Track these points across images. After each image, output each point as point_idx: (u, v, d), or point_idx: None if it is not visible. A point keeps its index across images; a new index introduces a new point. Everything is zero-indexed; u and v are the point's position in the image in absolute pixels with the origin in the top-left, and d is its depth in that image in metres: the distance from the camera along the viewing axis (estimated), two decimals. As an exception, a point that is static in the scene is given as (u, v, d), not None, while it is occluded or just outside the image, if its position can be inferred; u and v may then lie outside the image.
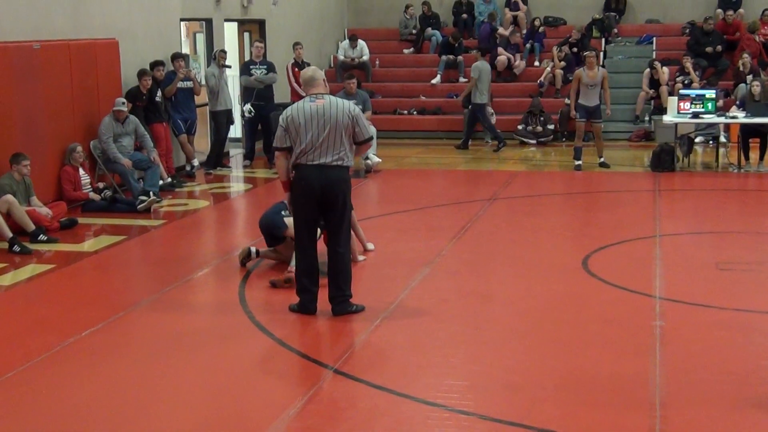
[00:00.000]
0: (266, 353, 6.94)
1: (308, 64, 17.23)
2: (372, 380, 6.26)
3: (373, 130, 15.95)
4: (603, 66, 18.04)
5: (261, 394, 6.16)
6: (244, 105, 16.28)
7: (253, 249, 9.30)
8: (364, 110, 15.94)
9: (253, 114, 16.13)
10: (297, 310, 7.69)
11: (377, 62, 21.38)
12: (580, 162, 15.49)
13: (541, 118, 18.79)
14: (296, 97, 16.22)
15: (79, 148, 12.27)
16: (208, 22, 16.94)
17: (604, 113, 15.44)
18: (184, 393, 6.17)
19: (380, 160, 15.57)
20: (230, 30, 18.00)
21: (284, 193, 7.72)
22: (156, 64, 14.27)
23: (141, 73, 13.81)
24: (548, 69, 20.22)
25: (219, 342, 7.18)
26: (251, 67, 16.30)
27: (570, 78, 19.46)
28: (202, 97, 15.82)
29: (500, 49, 20.81)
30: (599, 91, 15.20)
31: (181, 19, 15.90)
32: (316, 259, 7.71)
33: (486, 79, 18.02)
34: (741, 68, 18.50)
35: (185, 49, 17.43)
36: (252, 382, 6.35)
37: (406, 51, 22.31)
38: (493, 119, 18.57)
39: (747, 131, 15.21)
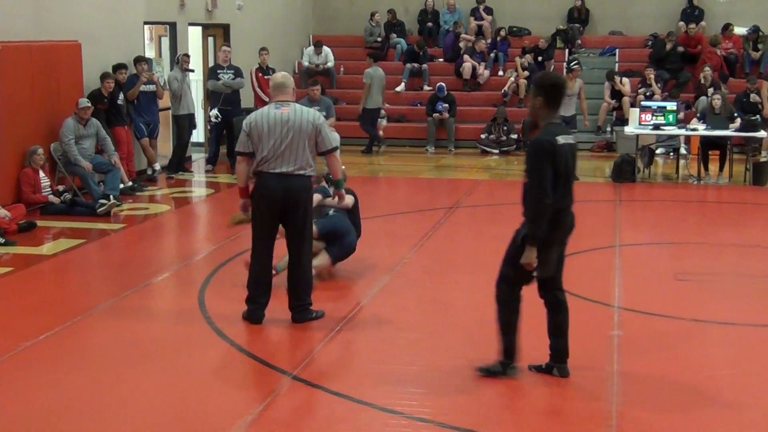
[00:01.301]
0: (225, 359, 6.90)
1: (273, 70, 17.21)
2: (331, 387, 6.25)
3: (337, 137, 15.95)
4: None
5: (219, 400, 6.12)
6: (211, 110, 16.20)
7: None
8: (327, 117, 15.90)
9: (219, 119, 16.06)
10: (246, 318, 7.65)
11: (342, 69, 21.37)
12: None
13: (505, 128, 18.88)
14: (260, 102, 16.20)
15: (40, 151, 12.16)
16: (172, 25, 16.86)
17: (581, 124, 15.55)
18: (141, 399, 6.12)
19: (344, 167, 15.52)
20: (194, 34, 17.93)
21: (240, 199, 7.65)
22: (118, 67, 14.18)
23: (103, 76, 13.71)
24: (512, 78, 20.32)
25: (177, 348, 7.13)
26: (219, 71, 16.24)
27: (533, 88, 19.63)
28: (164, 101, 15.73)
29: (466, 57, 20.90)
30: (575, 102, 15.34)
31: (145, 23, 15.81)
32: (270, 269, 7.70)
33: (378, 84, 18.18)
34: (702, 81, 18.70)
35: (150, 53, 17.35)
36: (210, 389, 6.31)
37: (370, 58, 22.31)
38: (384, 122, 19.01)
39: (707, 143, 15.39)
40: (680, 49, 20.13)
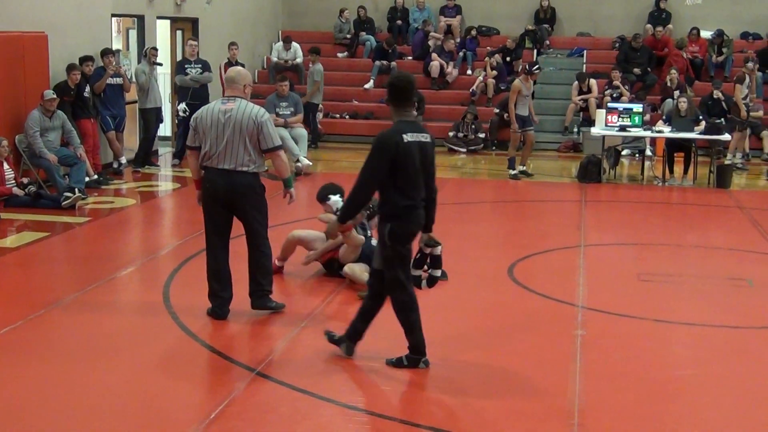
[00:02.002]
0: (188, 355, 6.87)
1: (242, 65, 17.16)
2: (294, 383, 6.25)
3: (304, 133, 15.95)
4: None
5: (181, 396, 6.11)
6: (179, 104, 16.13)
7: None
8: (295, 113, 15.94)
9: (187, 114, 15.97)
10: (210, 314, 7.64)
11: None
12: (515, 171, 15.64)
13: (473, 126, 18.94)
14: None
15: (5, 143, 12.04)
16: (140, 18, 16.75)
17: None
18: (104, 394, 6.08)
19: (311, 163, 15.55)
20: (163, 27, 17.82)
21: (196, 191, 7.68)
22: (85, 59, 14.07)
23: (70, 68, 13.60)
24: (480, 78, 20.37)
25: (140, 343, 7.10)
26: (186, 66, 16.17)
27: (501, 87, 19.73)
28: (131, 94, 15.64)
29: (434, 55, 20.94)
30: (530, 101, 15.51)
31: (113, 15, 15.70)
32: (226, 263, 7.64)
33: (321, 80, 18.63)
34: (668, 84, 18.87)
35: (117, 46, 17.23)
36: (173, 384, 6.29)
37: (340, 55, 22.30)
38: (320, 116, 19.34)
39: (672, 146, 15.52)
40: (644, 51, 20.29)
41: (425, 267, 6.62)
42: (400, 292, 6.49)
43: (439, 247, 6.58)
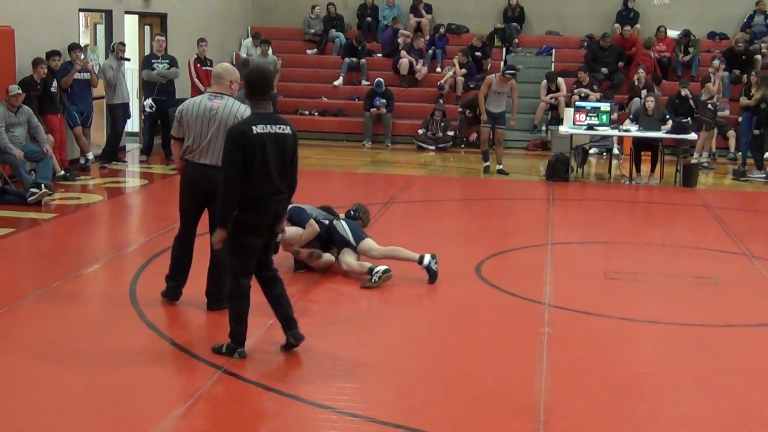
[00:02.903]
0: (155, 352, 6.84)
1: (211, 61, 17.11)
2: (261, 381, 6.24)
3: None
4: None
5: (147, 394, 6.08)
6: (146, 99, 16.05)
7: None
8: (264, 109, 15.87)
9: (154, 109, 15.92)
10: (164, 295, 7.82)
11: (280, 62, 21.27)
12: (488, 164, 15.77)
13: (441, 124, 18.97)
14: (196, 93, 16.03)
15: (-31, 138, 11.94)
16: (108, 13, 16.64)
17: (509, 122, 15.77)
18: (68, 391, 6.04)
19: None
20: (131, 22, 17.71)
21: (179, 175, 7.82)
22: (52, 54, 13.96)
23: (36, 62, 13.49)
24: (450, 74, 20.41)
25: (106, 339, 7.06)
26: (153, 61, 16.09)
27: (471, 85, 19.78)
28: (99, 90, 15.53)
29: (403, 53, 20.95)
30: (505, 99, 15.53)
31: (81, 9, 15.59)
32: (190, 251, 7.78)
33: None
34: (636, 83, 19.00)
35: (85, 40, 17.11)
36: (139, 382, 6.26)
37: (309, 51, 22.27)
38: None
39: (639, 144, 15.63)
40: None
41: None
42: (233, 281, 6.59)
43: (280, 235, 6.82)
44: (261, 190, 6.38)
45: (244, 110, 7.33)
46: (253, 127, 6.34)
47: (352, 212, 9.65)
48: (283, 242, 8.89)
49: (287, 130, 6.49)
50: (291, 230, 9.01)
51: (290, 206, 8.94)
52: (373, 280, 8.56)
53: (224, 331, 6.85)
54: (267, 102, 6.57)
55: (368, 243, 9.14)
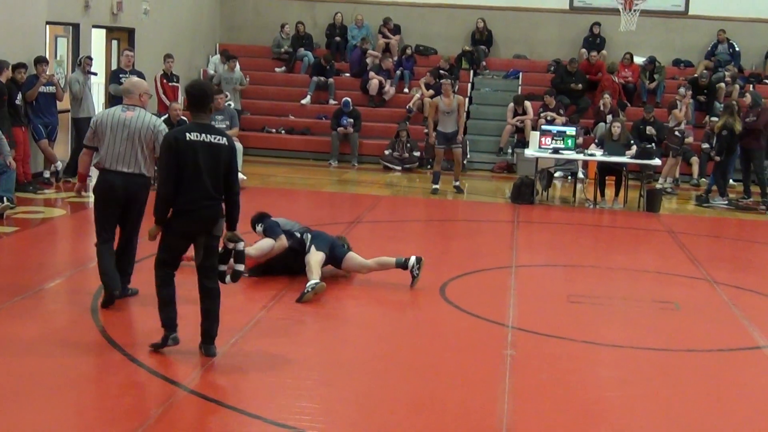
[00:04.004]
0: (116, 369, 6.77)
1: (177, 77, 17.07)
2: (224, 400, 6.20)
3: (240, 147, 15.87)
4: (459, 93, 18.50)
5: (108, 411, 6.01)
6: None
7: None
8: (231, 126, 15.86)
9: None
10: (104, 306, 8.11)
11: (247, 78, 21.25)
12: (437, 186, 15.88)
13: (408, 145, 19.03)
14: (163, 108, 16.01)
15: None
16: (76, 27, 16.56)
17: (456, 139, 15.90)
18: (24, 408, 5.96)
19: (245, 178, 15.44)
20: (98, 36, 17.63)
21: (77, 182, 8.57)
22: (17, 67, 13.86)
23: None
24: (417, 96, 20.49)
25: (66, 356, 6.98)
26: (121, 75, 16.01)
27: (438, 107, 19.86)
28: (64, 103, 15.43)
29: (372, 73, 21.01)
30: (455, 118, 15.65)
31: (47, 23, 15.49)
32: (113, 259, 8.14)
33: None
34: (601, 108, 19.17)
35: (46, 53, 17.00)
36: (97, 400, 6.20)
37: (277, 69, 22.27)
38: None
39: (604, 169, 15.75)
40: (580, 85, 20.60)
41: (230, 262, 7.08)
42: (158, 271, 7.01)
43: (242, 243, 7.05)
44: (193, 194, 6.73)
45: (156, 121, 8.01)
46: (187, 134, 6.73)
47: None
48: (260, 252, 9.21)
49: (222, 140, 6.83)
50: (263, 242, 9.26)
51: (269, 220, 9.45)
52: (305, 292, 8.58)
53: (188, 349, 6.81)
54: (205, 114, 6.92)
55: (355, 259, 9.33)
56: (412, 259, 9.28)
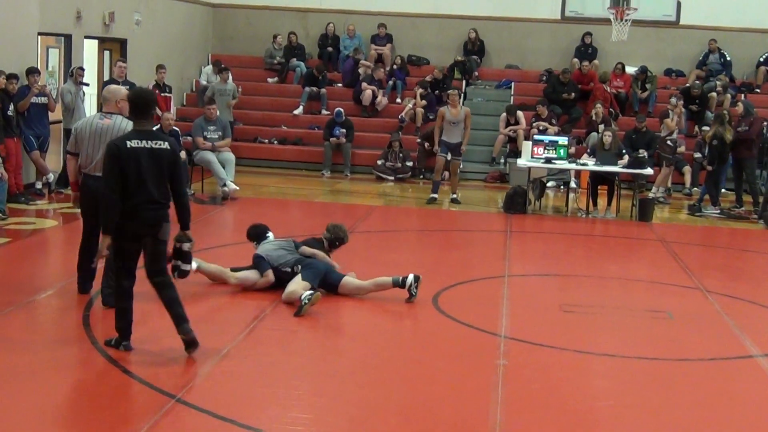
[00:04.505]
0: (107, 380, 6.76)
1: (170, 87, 17.08)
2: (215, 411, 6.18)
3: (232, 157, 15.87)
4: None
5: (100, 422, 5.99)
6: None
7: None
8: (223, 136, 15.89)
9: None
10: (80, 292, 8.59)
11: (240, 89, 21.25)
12: (435, 195, 15.87)
13: (400, 155, 19.04)
14: (155, 118, 15.98)
15: None
16: (68, 37, 16.55)
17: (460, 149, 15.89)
18: (17, 421, 5.94)
19: (238, 188, 15.47)
20: (90, 47, 17.63)
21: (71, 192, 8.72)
22: (8, 77, 13.83)
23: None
24: (410, 106, 20.50)
25: (58, 367, 6.96)
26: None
27: (430, 117, 19.88)
28: (56, 114, 15.41)
29: (364, 84, 21.02)
30: (461, 129, 15.64)
31: (39, 33, 15.49)
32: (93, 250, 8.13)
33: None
34: (593, 117, 19.19)
35: (37, 64, 17.00)
36: (89, 411, 6.17)
37: (270, 80, 22.27)
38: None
39: (596, 178, 15.76)
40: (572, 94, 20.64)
41: (176, 260, 7.39)
42: (116, 282, 7.32)
43: (188, 244, 7.33)
44: (137, 199, 6.98)
45: (130, 125, 7.88)
46: (128, 142, 7.00)
47: (326, 239, 9.76)
48: (241, 282, 9.31)
49: (165, 146, 7.11)
50: (247, 274, 9.34)
51: (254, 254, 9.43)
52: (302, 305, 8.53)
53: (180, 359, 6.78)
54: (147, 121, 7.22)
55: (352, 282, 9.24)
56: (410, 277, 9.13)
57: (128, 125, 7.99)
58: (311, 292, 8.63)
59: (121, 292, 7.25)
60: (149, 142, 7.04)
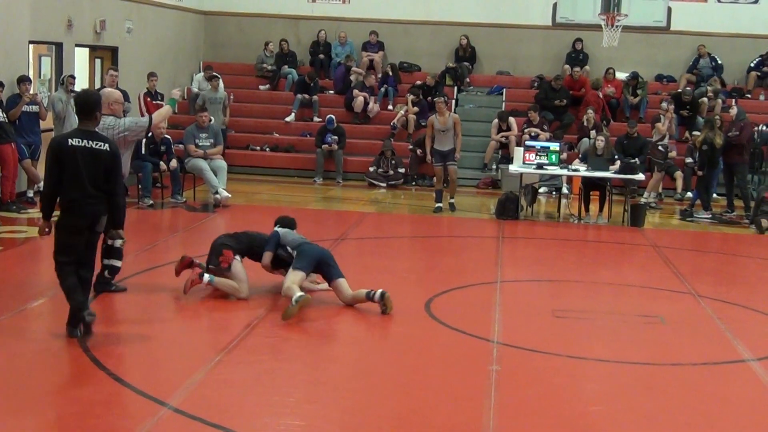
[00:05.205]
0: (100, 388, 6.74)
1: (161, 95, 17.06)
2: (208, 418, 6.17)
3: (224, 165, 15.86)
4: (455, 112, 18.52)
5: (92, 430, 5.97)
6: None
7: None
8: (215, 144, 15.88)
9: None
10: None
11: (232, 97, 21.24)
12: (440, 204, 15.83)
13: (392, 161, 19.05)
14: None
15: None
16: (59, 46, 16.54)
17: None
18: (10, 429, 5.92)
19: (230, 195, 15.46)
20: (81, 55, 17.62)
21: None
22: (-3, 86, 13.82)
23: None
24: (401, 113, 20.52)
25: (50, 376, 6.96)
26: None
27: (422, 123, 19.89)
28: (47, 122, 15.39)
29: (356, 91, 21.04)
30: (452, 136, 15.61)
31: (30, 42, 15.47)
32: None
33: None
34: (585, 123, 19.24)
35: (29, 72, 16.97)
36: (83, 418, 6.16)
37: (261, 87, 22.27)
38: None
39: (588, 184, 15.79)
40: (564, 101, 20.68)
41: (108, 257, 8.12)
42: (58, 268, 7.69)
43: (119, 241, 8.00)
44: (74, 193, 7.48)
45: (113, 121, 8.82)
46: (69, 140, 7.54)
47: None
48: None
49: (104, 147, 7.59)
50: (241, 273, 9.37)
51: (278, 231, 9.69)
52: (290, 306, 8.56)
53: (173, 366, 6.75)
54: (90, 122, 7.68)
55: (341, 285, 9.26)
56: (377, 293, 9.02)
57: (115, 121, 8.81)
58: (300, 294, 8.66)
59: (63, 275, 7.62)
60: (90, 141, 7.53)
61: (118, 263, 7.95)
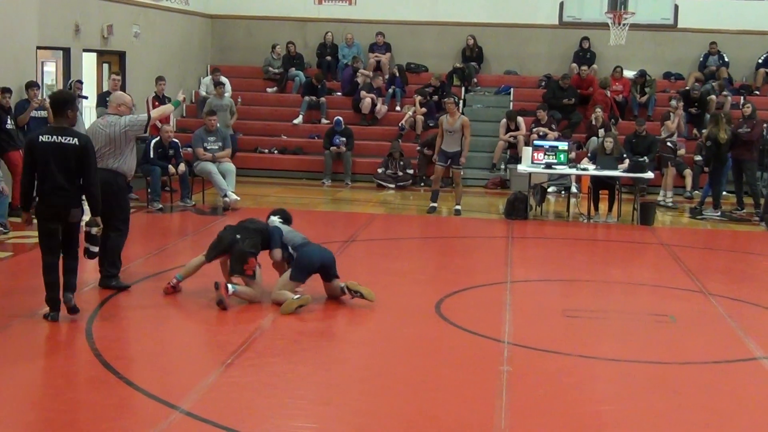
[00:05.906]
0: (111, 392, 6.74)
1: (169, 99, 17.05)
2: (220, 421, 6.17)
3: (232, 168, 15.88)
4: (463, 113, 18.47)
5: (103, 434, 5.99)
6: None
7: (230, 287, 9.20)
8: (223, 147, 15.90)
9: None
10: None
11: (239, 100, 21.27)
12: (435, 204, 15.80)
13: (401, 162, 19.04)
14: (155, 130, 15.99)
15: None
16: (66, 51, 16.58)
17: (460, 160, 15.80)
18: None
19: (239, 198, 15.47)
20: (89, 60, 17.65)
21: None
22: (3, 91, 13.81)
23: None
24: (409, 113, 20.51)
25: (61, 379, 6.96)
26: (107, 99, 16.01)
27: (430, 124, 19.90)
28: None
29: (363, 92, 21.04)
30: (459, 138, 15.44)
31: (38, 47, 15.51)
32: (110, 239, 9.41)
33: None
34: (593, 122, 19.20)
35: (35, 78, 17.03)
36: (94, 422, 6.16)
37: (269, 90, 22.29)
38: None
39: (597, 183, 15.75)
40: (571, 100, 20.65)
41: (86, 242, 8.49)
42: (43, 258, 8.27)
43: (95, 228, 8.41)
44: (46, 186, 8.08)
45: (115, 119, 9.33)
46: (41, 136, 8.12)
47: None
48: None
49: (72, 141, 8.09)
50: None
51: (273, 226, 9.74)
52: (292, 299, 8.71)
53: (184, 369, 6.75)
54: (63, 119, 8.22)
55: (334, 283, 9.34)
56: (344, 285, 9.34)
57: (114, 119, 9.33)
58: (298, 297, 8.66)
59: (46, 267, 8.23)
60: (59, 137, 8.06)
61: (95, 249, 8.55)
